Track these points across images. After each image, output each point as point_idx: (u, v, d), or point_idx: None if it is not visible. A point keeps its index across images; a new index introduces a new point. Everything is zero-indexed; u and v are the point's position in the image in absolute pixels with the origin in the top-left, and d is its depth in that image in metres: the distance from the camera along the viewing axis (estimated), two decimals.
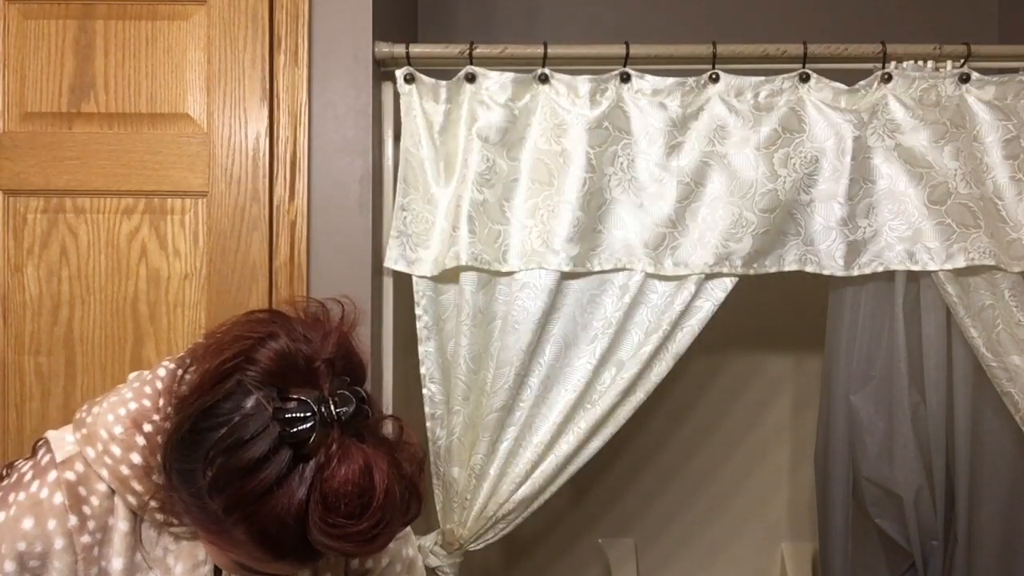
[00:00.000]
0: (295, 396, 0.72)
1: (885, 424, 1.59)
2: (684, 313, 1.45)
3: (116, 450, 0.83)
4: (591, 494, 2.21)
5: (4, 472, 0.88)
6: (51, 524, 0.82)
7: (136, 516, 0.86)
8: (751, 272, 1.45)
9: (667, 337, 1.45)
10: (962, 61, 1.46)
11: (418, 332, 1.48)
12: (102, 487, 0.84)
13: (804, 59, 1.45)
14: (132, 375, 0.90)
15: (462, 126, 1.45)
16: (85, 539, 0.83)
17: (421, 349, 1.48)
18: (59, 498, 0.83)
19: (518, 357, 1.43)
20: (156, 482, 0.83)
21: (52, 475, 0.84)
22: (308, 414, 0.71)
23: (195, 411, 0.73)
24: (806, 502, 2.17)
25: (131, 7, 1.40)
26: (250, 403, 0.72)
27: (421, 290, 1.47)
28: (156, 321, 1.39)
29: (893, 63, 1.46)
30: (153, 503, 0.84)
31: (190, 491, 0.74)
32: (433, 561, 1.52)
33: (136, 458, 0.83)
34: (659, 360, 1.46)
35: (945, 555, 1.65)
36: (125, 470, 0.83)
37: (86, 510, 0.83)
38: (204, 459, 0.72)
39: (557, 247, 1.42)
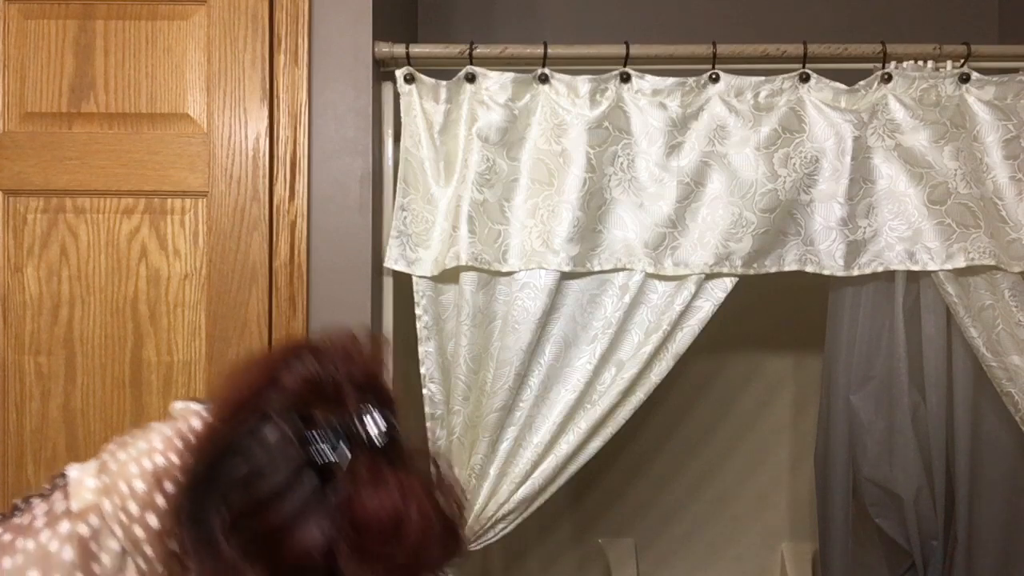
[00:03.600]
0: (321, 419, 0.67)
1: (885, 424, 1.59)
2: (684, 313, 1.44)
3: (134, 508, 0.78)
4: (591, 494, 2.21)
5: (20, 506, 0.82)
6: None
7: None
8: (751, 272, 1.45)
9: (667, 337, 1.45)
10: (962, 61, 1.46)
11: (418, 332, 1.48)
12: (115, 545, 0.78)
13: (804, 59, 1.45)
14: (178, 405, 0.84)
15: (462, 126, 1.45)
16: None
17: (421, 349, 1.48)
18: (68, 553, 0.77)
19: (518, 357, 1.43)
20: (170, 549, 0.76)
21: (65, 527, 0.78)
22: (335, 437, 0.66)
23: (212, 446, 0.68)
24: (806, 502, 2.17)
25: (131, 7, 1.40)
26: (272, 433, 0.66)
27: (421, 290, 1.47)
28: (156, 321, 1.39)
29: (893, 63, 1.46)
30: (163, 571, 0.77)
31: (202, 537, 0.67)
32: None
33: (153, 520, 0.77)
34: (659, 360, 1.46)
35: (945, 555, 1.65)
36: (139, 532, 0.77)
37: (95, 568, 0.77)
38: (220, 497, 0.66)
39: (557, 247, 1.42)
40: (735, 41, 1.47)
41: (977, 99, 1.45)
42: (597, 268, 1.46)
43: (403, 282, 1.49)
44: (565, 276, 1.44)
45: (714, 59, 1.45)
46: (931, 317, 1.53)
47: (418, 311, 1.47)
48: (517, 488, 1.47)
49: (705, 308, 1.46)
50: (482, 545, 1.51)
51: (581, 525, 2.23)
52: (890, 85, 1.45)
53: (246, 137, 1.39)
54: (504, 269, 1.44)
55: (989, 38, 2.05)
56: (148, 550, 0.78)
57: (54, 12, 1.39)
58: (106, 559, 0.78)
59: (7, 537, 0.78)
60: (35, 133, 1.39)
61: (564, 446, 1.47)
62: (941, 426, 1.58)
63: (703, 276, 1.44)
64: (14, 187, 1.39)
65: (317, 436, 0.66)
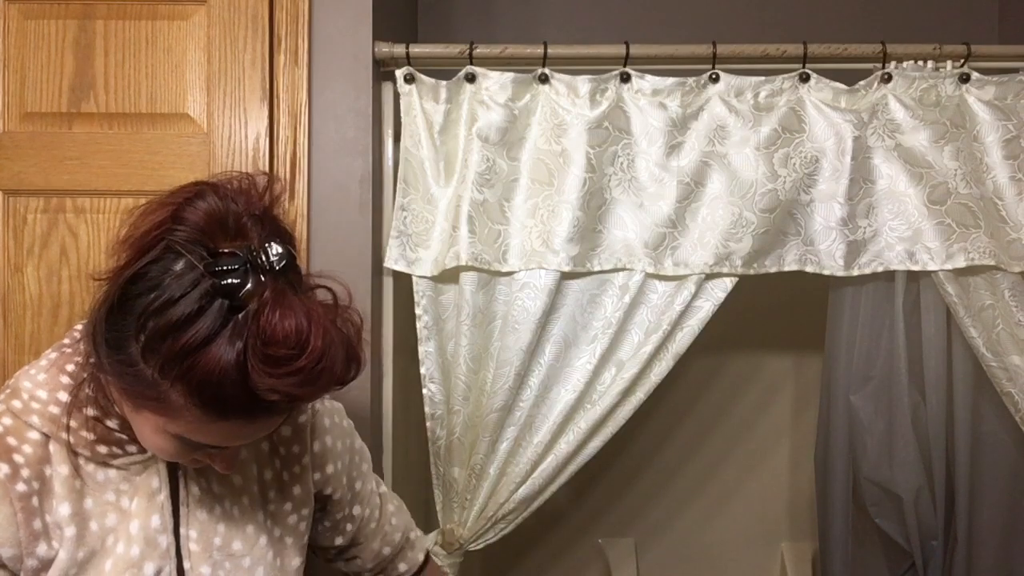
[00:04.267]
0: (225, 250, 0.72)
1: (885, 424, 1.59)
2: (684, 313, 1.45)
3: (42, 393, 0.84)
4: (591, 494, 2.21)
5: None
6: None
7: (78, 459, 0.85)
8: (751, 272, 1.45)
9: (667, 337, 1.45)
10: (962, 61, 1.46)
11: (418, 332, 1.48)
12: (34, 435, 0.83)
13: (804, 59, 1.45)
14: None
15: (462, 126, 1.45)
16: (20, 488, 0.81)
17: (421, 349, 1.48)
18: None
19: (518, 357, 1.43)
20: (88, 416, 0.83)
21: None
22: (239, 266, 0.70)
23: (124, 280, 0.73)
24: (806, 502, 2.17)
25: (131, 7, 1.39)
26: (180, 264, 0.71)
27: (421, 290, 1.47)
28: None
29: (893, 63, 1.46)
30: (89, 435, 0.83)
31: (122, 360, 0.73)
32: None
33: (63, 396, 0.84)
34: (659, 360, 1.46)
35: (945, 555, 1.65)
36: (54, 409, 0.83)
37: (17, 459, 0.82)
38: (136, 324, 0.71)
39: (557, 247, 1.42)
40: (735, 41, 1.47)
41: (977, 99, 1.45)
42: (597, 268, 1.46)
43: (403, 282, 1.49)
44: (565, 276, 1.44)
45: (714, 59, 1.45)
46: (931, 317, 1.53)
47: (418, 311, 1.47)
48: (517, 488, 1.47)
49: (705, 308, 1.46)
50: (482, 545, 1.51)
51: (581, 525, 2.23)
52: (890, 85, 1.45)
53: (246, 137, 1.39)
54: (504, 269, 1.44)
55: (989, 38, 2.05)
56: (69, 421, 0.83)
57: (54, 12, 1.39)
58: (27, 448, 0.83)
59: None
60: (35, 133, 1.39)
61: (564, 446, 1.47)
62: (941, 426, 1.58)
63: (703, 276, 1.44)
64: (14, 187, 1.39)
65: (224, 265, 0.70)
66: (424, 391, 1.49)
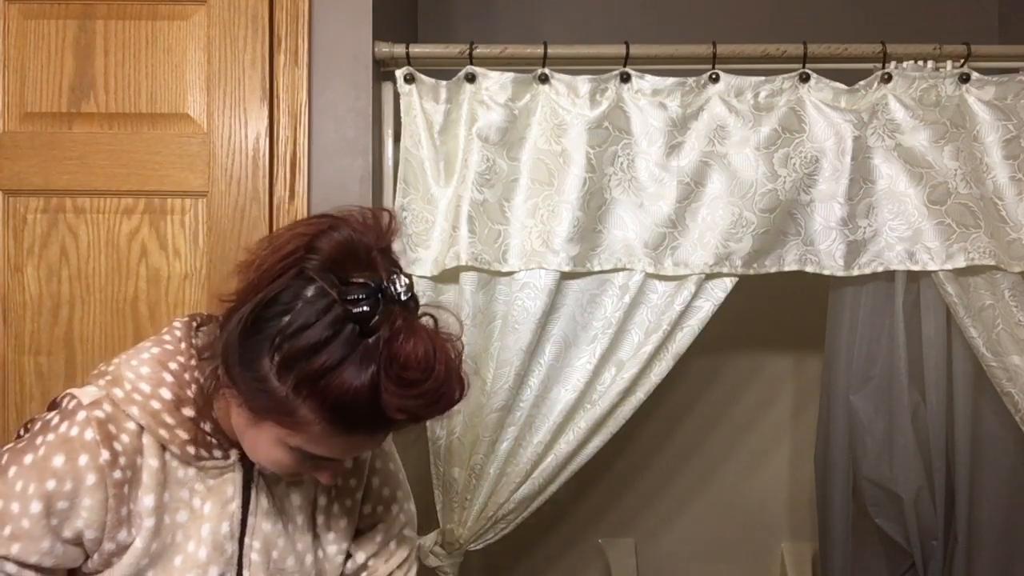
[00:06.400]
0: (356, 279, 0.77)
1: (885, 424, 1.59)
2: (684, 313, 1.44)
3: (145, 387, 0.86)
4: (591, 494, 2.21)
5: (26, 427, 0.90)
6: (83, 459, 0.83)
7: (164, 453, 0.88)
8: (751, 272, 1.45)
9: (667, 337, 1.45)
10: (962, 61, 1.46)
11: None
12: (131, 426, 0.86)
13: (804, 59, 1.45)
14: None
15: (462, 126, 1.45)
16: (117, 475, 0.84)
17: None
18: (90, 434, 0.84)
19: (518, 357, 1.43)
20: (186, 416, 0.86)
21: (81, 415, 0.85)
22: (369, 295, 0.76)
23: (257, 302, 0.77)
24: (806, 502, 2.17)
25: (131, 7, 1.39)
26: (311, 290, 0.76)
27: (421, 290, 1.47)
28: (156, 321, 1.39)
29: (893, 63, 1.46)
30: (184, 435, 0.86)
31: (254, 376, 0.78)
32: (433, 561, 1.52)
33: (166, 393, 0.87)
34: (659, 360, 1.46)
35: (945, 555, 1.65)
36: (156, 404, 0.86)
37: (117, 446, 0.85)
38: (270, 346, 0.76)
39: (557, 247, 1.42)
40: (735, 41, 1.47)
41: (977, 99, 1.45)
42: (597, 268, 1.46)
43: None
44: (565, 276, 1.44)
45: (714, 59, 1.45)
46: (931, 317, 1.53)
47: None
48: (517, 488, 1.47)
49: (705, 308, 1.46)
50: (482, 545, 1.51)
51: (581, 525, 2.23)
52: (890, 85, 1.45)
53: (246, 137, 1.39)
54: (504, 269, 1.44)
55: (989, 38, 2.05)
56: (168, 419, 0.86)
57: (54, 12, 1.39)
58: (125, 438, 0.86)
59: (21, 444, 0.86)
60: (35, 133, 1.39)
61: (564, 446, 1.47)
62: (941, 426, 1.58)
63: (703, 276, 1.44)
64: (14, 187, 1.39)
65: (356, 295, 0.76)
66: None
